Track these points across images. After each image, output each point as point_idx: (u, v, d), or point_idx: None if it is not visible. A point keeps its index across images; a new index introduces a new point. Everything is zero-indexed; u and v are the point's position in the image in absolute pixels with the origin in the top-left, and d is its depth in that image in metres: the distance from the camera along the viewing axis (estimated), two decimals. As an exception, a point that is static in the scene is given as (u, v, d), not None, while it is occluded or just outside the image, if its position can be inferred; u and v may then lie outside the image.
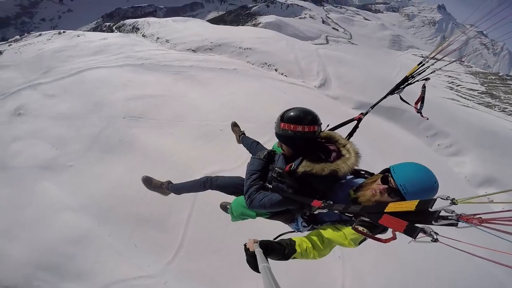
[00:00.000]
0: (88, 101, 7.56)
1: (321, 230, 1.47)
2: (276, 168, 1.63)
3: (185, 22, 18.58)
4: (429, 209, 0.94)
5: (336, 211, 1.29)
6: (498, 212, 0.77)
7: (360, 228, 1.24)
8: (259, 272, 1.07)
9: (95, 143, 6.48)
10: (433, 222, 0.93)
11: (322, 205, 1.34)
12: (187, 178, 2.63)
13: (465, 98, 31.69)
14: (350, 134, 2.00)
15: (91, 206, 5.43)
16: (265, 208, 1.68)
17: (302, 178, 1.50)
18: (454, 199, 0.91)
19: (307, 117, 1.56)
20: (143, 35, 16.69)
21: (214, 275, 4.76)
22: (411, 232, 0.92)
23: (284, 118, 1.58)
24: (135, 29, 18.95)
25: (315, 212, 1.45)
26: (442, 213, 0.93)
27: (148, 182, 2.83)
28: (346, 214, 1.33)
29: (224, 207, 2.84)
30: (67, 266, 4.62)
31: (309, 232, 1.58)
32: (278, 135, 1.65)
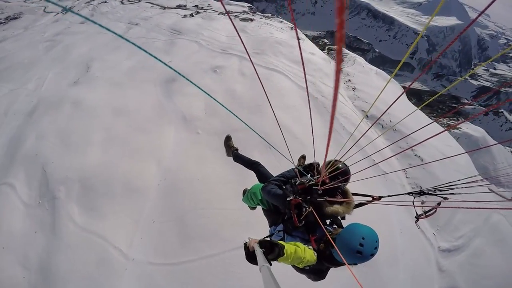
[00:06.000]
0: (247, 99, 8.08)
1: (298, 244, 1.74)
2: (298, 179, 2.35)
3: (384, 80, 17.11)
4: None
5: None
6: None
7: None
8: (257, 264, 1.23)
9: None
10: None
11: (306, 184, 2.16)
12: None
13: None
14: (361, 204, 2.28)
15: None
16: (268, 194, 2.33)
17: (305, 188, 2.21)
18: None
19: (343, 176, 2.08)
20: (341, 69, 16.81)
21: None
22: None
23: (335, 163, 2.09)
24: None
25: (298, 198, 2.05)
26: None
27: (228, 139, 3.51)
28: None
29: (244, 191, 3.40)
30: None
31: (289, 241, 1.94)
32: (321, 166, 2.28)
